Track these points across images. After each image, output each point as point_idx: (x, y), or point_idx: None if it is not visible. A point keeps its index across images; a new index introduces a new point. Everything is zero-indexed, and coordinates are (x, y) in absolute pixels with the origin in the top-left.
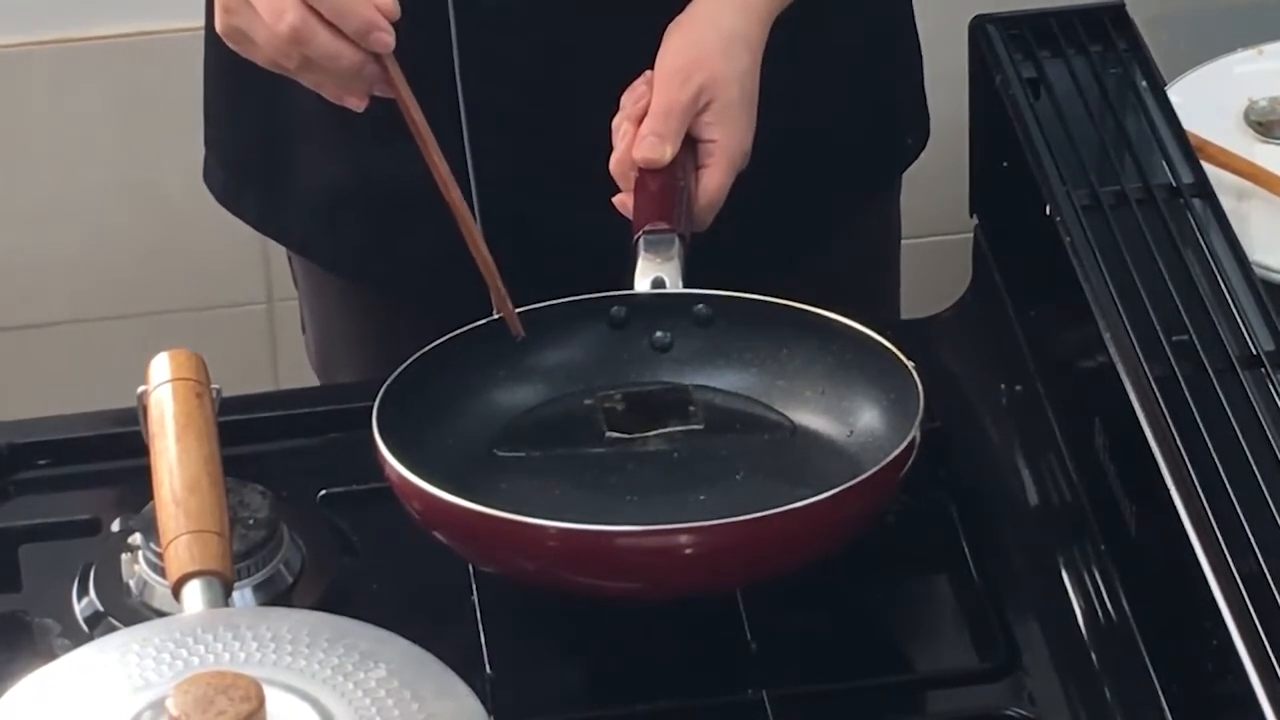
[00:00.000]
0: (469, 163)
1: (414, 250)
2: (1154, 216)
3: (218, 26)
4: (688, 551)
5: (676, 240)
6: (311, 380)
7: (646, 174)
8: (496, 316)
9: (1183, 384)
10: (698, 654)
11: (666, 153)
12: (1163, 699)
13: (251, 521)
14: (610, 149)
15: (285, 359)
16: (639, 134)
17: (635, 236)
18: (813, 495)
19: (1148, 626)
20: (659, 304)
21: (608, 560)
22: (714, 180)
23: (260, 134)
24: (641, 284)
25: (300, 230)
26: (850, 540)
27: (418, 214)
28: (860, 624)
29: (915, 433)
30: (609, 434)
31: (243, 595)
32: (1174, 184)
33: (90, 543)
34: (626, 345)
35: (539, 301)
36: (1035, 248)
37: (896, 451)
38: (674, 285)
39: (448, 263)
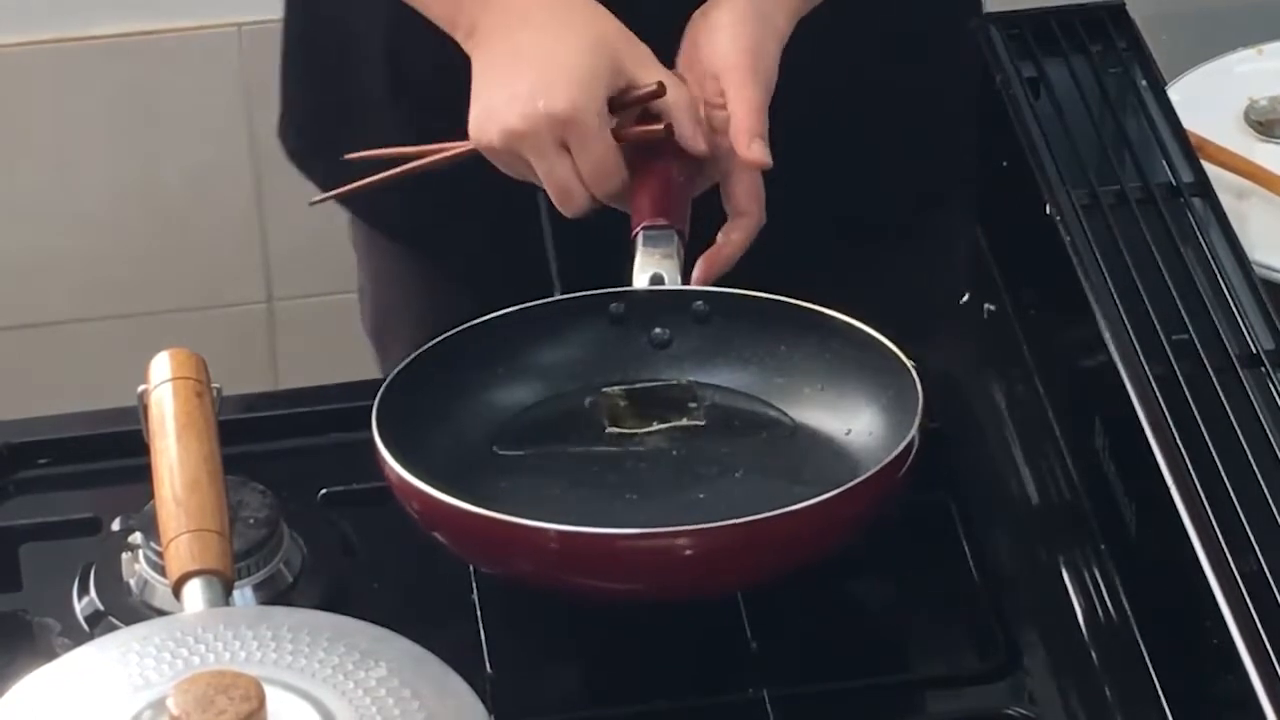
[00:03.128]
0: None
1: (473, 221)
2: (1154, 216)
3: (492, 137)
4: (688, 553)
5: (675, 236)
6: (310, 380)
7: (646, 169)
8: (494, 315)
9: (1183, 383)
10: (698, 654)
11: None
12: (1163, 699)
13: (251, 521)
14: None
15: (285, 359)
16: (742, 133)
17: (634, 232)
18: (812, 495)
19: (1148, 626)
20: (657, 301)
21: (608, 562)
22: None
23: (329, 102)
24: (640, 280)
25: (365, 197)
26: (850, 540)
27: (478, 186)
28: (860, 624)
29: (915, 432)
30: (609, 429)
31: (243, 594)
32: (1174, 183)
33: (90, 542)
34: (625, 342)
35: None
36: (1035, 248)
37: (896, 451)
38: (672, 282)
39: (506, 235)
